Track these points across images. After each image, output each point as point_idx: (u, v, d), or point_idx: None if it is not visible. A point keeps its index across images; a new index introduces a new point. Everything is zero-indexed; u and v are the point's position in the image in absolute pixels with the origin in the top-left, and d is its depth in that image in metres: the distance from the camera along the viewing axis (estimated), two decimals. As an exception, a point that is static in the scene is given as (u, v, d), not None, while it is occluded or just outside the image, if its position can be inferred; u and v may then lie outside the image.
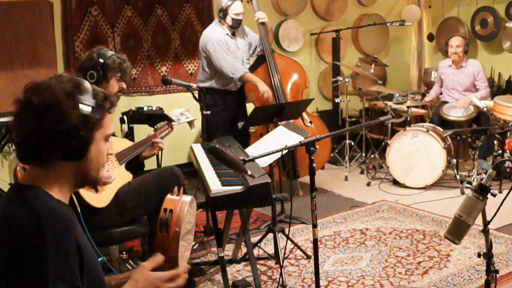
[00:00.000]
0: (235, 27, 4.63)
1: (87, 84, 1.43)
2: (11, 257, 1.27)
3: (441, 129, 5.11)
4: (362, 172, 5.64)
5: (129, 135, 4.34)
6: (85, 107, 1.38)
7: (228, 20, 4.55)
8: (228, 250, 3.67)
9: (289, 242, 3.45)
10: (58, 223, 1.30)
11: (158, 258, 1.54)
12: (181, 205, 1.58)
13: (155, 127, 3.19)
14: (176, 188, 1.66)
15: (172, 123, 3.32)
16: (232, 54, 4.59)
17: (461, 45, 5.53)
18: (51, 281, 1.25)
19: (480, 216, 1.90)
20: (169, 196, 1.62)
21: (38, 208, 1.30)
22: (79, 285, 1.30)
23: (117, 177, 2.80)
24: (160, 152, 3.25)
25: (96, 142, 1.43)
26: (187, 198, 1.61)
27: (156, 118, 4.23)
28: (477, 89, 5.59)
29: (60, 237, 1.28)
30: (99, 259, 2.71)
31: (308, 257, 3.63)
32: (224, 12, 4.53)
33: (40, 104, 1.35)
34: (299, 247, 3.67)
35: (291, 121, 4.18)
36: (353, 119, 6.14)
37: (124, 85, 3.06)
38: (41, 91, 1.37)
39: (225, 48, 4.53)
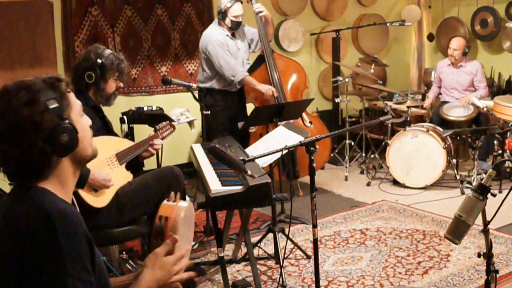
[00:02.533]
0: (235, 29, 4.62)
1: (33, 81, 1.38)
2: (24, 258, 1.26)
3: (441, 129, 5.11)
4: (362, 172, 5.64)
5: (129, 135, 4.34)
6: (51, 103, 1.35)
7: (227, 22, 4.55)
8: (228, 250, 3.67)
9: (289, 242, 3.44)
10: (69, 222, 1.29)
11: (170, 243, 1.51)
12: (177, 210, 1.55)
13: (156, 127, 3.18)
14: (172, 194, 1.64)
15: (172, 123, 3.32)
16: (233, 55, 4.58)
17: (459, 48, 5.54)
18: (70, 281, 1.25)
19: (480, 216, 1.90)
20: (165, 202, 1.59)
21: (47, 208, 1.29)
22: (93, 281, 1.31)
23: (117, 177, 2.80)
24: (160, 152, 3.25)
25: (76, 123, 1.40)
26: (184, 203, 1.58)
27: (156, 118, 4.23)
28: (476, 88, 5.61)
29: (72, 237, 1.28)
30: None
31: (308, 257, 3.63)
32: (223, 14, 4.53)
33: (9, 128, 1.31)
34: (299, 247, 3.67)
35: (291, 121, 4.17)
36: (353, 119, 6.14)
37: (122, 84, 3.06)
38: (2, 115, 1.32)
39: (226, 49, 4.52)
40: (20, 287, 1.27)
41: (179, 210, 1.55)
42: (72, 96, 1.43)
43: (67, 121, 1.36)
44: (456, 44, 5.56)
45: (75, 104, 1.43)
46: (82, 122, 1.45)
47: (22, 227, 1.28)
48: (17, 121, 1.31)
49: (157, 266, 1.48)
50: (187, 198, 3.34)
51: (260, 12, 4.71)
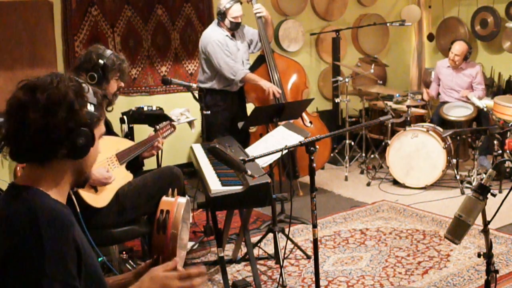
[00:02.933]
0: (234, 29, 4.63)
1: (85, 84, 1.46)
2: (8, 257, 1.27)
3: (441, 129, 5.11)
4: (362, 172, 5.64)
5: (129, 135, 4.34)
6: (91, 106, 1.42)
7: (227, 22, 4.55)
8: (228, 250, 3.67)
9: (289, 242, 3.44)
10: (56, 223, 1.30)
11: (171, 264, 1.49)
12: (177, 206, 1.57)
13: (156, 127, 3.18)
14: (170, 190, 1.66)
15: (172, 123, 3.32)
16: (232, 56, 4.58)
17: (461, 54, 5.54)
18: (47, 281, 1.25)
19: (480, 216, 1.90)
20: (164, 197, 1.62)
21: (35, 208, 1.30)
22: (76, 285, 1.30)
23: (118, 177, 2.80)
24: (160, 152, 3.25)
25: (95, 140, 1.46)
26: (183, 200, 1.61)
27: (156, 118, 4.23)
28: (474, 89, 5.62)
29: (57, 238, 1.28)
30: (99, 259, 2.71)
31: (308, 257, 3.63)
32: (222, 15, 4.53)
33: (49, 102, 1.35)
34: (299, 247, 3.67)
35: (291, 121, 4.17)
36: (353, 119, 6.14)
37: (123, 84, 3.06)
38: (46, 89, 1.37)
39: (225, 49, 4.52)
40: (3, 285, 1.27)
41: (180, 206, 1.58)
42: (103, 118, 1.50)
43: (91, 130, 1.42)
44: (458, 49, 5.54)
45: (101, 125, 1.49)
46: (98, 144, 1.49)
47: (9, 227, 1.30)
48: (59, 99, 1.36)
49: (148, 278, 1.47)
50: (187, 197, 3.34)
51: (260, 13, 4.72)
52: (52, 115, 1.35)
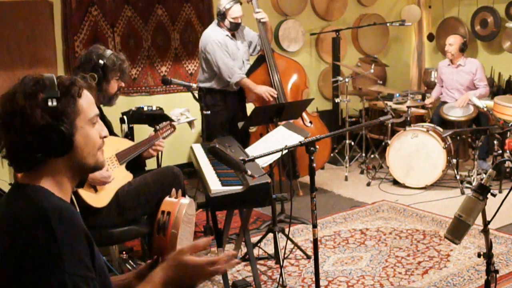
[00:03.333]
0: (234, 30, 4.63)
1: (48, 77, 1.39)
2: (22, 257, 1.26)
3: (441, 129, 5.11)
4: (362, 172, 5.64)
5: (129, 135, 4.33)
6: (50, 101, 1.35)
7: (227, 23, 4.56)
8: (228, 250, 3.66)
9: (289, 242, 3.44)
10: (66, 220, 1.29)
11: (202, 241, 1.47)
12: (179, 207, 1.57)
13: (156, 127, 3.18)
14: (174, 190, 1.65)
15: (172, 123, 3.32)
16: (232, 56, 4.59)
17: (454, 43, 5.53)
18: (69, 278, 1.24)
19: (480, 216, 1.90)
20: (167, 198, 1.61)
21: (43, 206, 1.29)
22: (94, 276, 1.30)
23: (118, 177, 2.80)
24: (160, 152, 3.25)
25: (80, 130, 1.40)
26: (185, 200, 1.60)
27: (156, 118, 4.23)
28: (476, 88, 5.59)
29: (70, 234, 1.28)
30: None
31: (308, 257, 3.63)
32: (222, 15, 4.53)
33: (5, 114, 1.35)
34: (299, 247, 3.67)
35: (291, 121, 4.17)
36: (353, 119, 6.14)
37: (123, 84, 3.07)
38: (4, 101, 1.36)
39: (225, 50, 4.53)
40: (20, 285, 1.26)
41: (181, 206, 1.57)
42: (85, 102, 1.41)
43: (63, 124, 1.35)
44: (452, 40, 5.57)
45: (86, 111, 1.41)
46: (90, 130, 1.42)
47: (19, 226, 1.28)
48: (9, 110, 1.35)
49: (174, 263, 1.44)
50: (187, 197, 3.34)
51: (263, 19, 4.74)
52: (11, 127, 1.34)
